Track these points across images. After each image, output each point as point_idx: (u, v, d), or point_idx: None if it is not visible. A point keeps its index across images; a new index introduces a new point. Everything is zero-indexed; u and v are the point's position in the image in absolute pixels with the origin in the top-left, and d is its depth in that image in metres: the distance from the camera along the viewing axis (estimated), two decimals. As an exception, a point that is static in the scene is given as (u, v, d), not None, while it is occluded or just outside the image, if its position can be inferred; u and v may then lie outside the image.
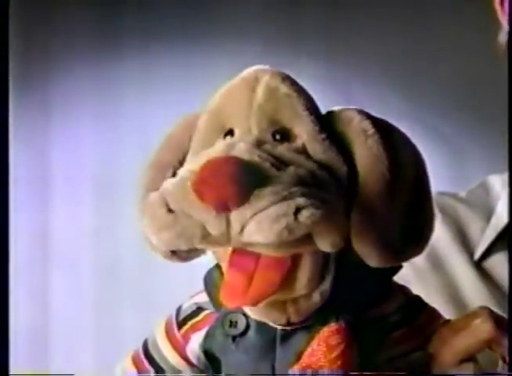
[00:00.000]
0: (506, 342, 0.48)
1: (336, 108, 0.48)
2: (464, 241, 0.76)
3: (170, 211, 0.42)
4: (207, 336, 0.49)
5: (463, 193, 0.82)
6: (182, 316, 0.52)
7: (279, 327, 0.47)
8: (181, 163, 0.48)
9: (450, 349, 0.49)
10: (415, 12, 1.66)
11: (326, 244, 0.43)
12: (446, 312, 0.52)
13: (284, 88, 0.46)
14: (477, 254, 0.75)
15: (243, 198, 0.41)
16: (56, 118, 1.80)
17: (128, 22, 1.79)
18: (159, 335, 0.52)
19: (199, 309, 0.51)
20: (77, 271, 1.76)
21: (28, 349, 1.62)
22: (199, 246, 0.43)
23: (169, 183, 0.44)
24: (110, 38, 1.79)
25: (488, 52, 0.75)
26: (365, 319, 0.47)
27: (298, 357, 0.46)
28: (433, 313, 0.51)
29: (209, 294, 0.50)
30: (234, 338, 0.48)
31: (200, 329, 0.50)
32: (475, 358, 0.49)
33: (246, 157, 0.43)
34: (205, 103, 0.50)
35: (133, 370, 0.53)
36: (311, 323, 0.47)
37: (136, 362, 0.53)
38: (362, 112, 0.47)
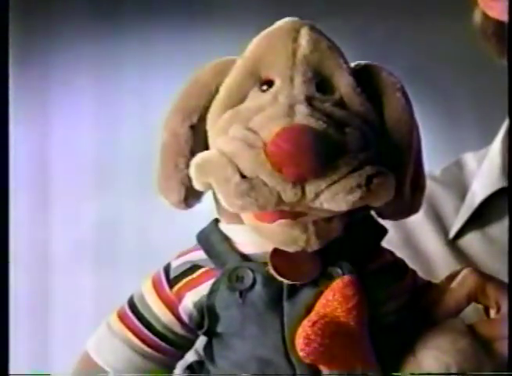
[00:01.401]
0: (491, 292, 0.51)
1: (358, 62, 0.50)
2: (438, 220, 0.77)
3: (242, 176, 0.44)
4: (211, 291, 0.49)
5: (437, 172, 0.83)
6: (173, 275, 0.51)
7: (288, 282, 0.48)
8: (206, 108, 0.49)
9: (442, 309, 0.51)
10: (415, 6, 1.68)
11: (379, 203, 0.46)
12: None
13: (326, 40, 0.48)
14: (452, 233, 0.76)
15: (321, 170, 0.43)
16: (56, 93, 1.81)
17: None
18: (148, 294, 0.52)
19: (194, 267, 0.51)
20: (78, 269, 1.77)
21: (28, 349, 1.63)
22: (269, 210, 0.45)
23: (231, 143, 0.45)
24: (110, 13, 1.78)
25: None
26: (363, 274, 0.49)
27: (308, 311, 0.47)
28: (415, 274, 0.54)
29: (210, 255, 0.50)
30: (241, 293, 0.48)
31: (195, 286, 0.50)
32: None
33: (312, 123, 0.44)
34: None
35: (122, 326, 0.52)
36: (317, 279, 0.48)
37: (123, 318, 0.53)
38: (384, 67, 0.50)
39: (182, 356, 0.54)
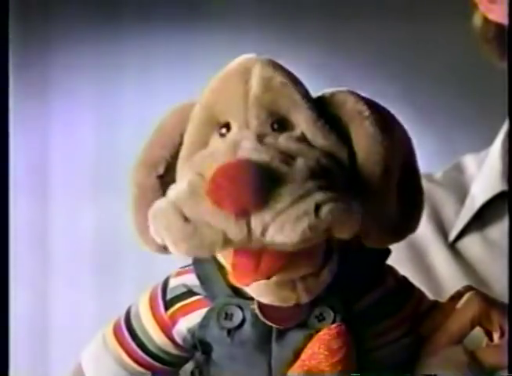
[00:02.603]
0: (495, 317, 0.50)
1: (326, 91, 0.48)
2: (439, 223, 0.77)
3: (186, 219, 0.42)
4: (201, 326, 0.48)
5: (438, 175, 0.83)
6: (169, 296, 0.51)
7: (274, 326, 0.47)
8: (173, 158, 0.48)
9: (444, 334, 0.50)
10: (414, 6, 1.68)
11: (344, 233, 0.43)
12: (421, 292, 0.53)
13: (279, 77, 0.46)
14: (452, 236, 0.76)
15: (262, 202, 0.41)
16: (56, 96, 1.80)
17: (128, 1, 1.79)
18: (143, 312, 0.52)
19: (189, 292, 0.50)
20: (77, 270, 1.77)
21: (28, 350, 1.64)
22: (219, 252, 0.43)
23: (179, 190, 0.43)
24: (110, 16, 1.78)
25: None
26: (357, 311, 0.48)
27: (296, 355, 0.47)
28: (420, 295, 0.52)
29: (201, 281, 0.49)
30: (229, 331, 0.48)
31: (188, 313, 0.50)
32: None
33: (255, 156, 0.43)
34: (199, 89, 0.49)
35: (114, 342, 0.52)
36: (307, 319, 0.47)
37: (117, 334, 0.52)
38: (353, 93, 0.47)
39: (176, 372, 0.53)
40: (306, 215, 0.41)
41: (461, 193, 0.79)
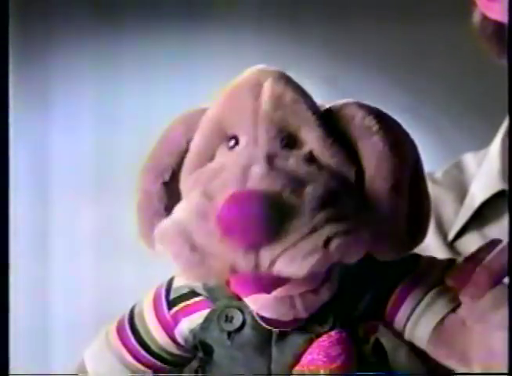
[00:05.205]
0: None
1: (335, 104, 0.47)
2: (438, 222, 0.77)
3: (194, 248, 0.42)
4: (202, 328, 0.49)
5: (438, 174, 0.83)
6: (172, 296, 0.51)
7: (276, 330, 0.47)
8: (179, 165, 0.48)
9: (485, 270, 0.47)
10: (414, 9, 1.68)
11: (352, 260, 0.43)
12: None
13: (290, 94, 0.45)
14: (451, 236, 0.76)
15: (272, 237, 0.41)
16: (56, 95, 1.81)
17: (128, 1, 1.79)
18: (147, 311, 0.52)
19: (191, 293, 0.51)
20: (77, 270, 1.77)
21: (28, 349, 1.64)
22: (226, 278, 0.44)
23: (186, 212, 0.43)
24: (110, 13, 1.78)
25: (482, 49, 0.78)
26: (357, 314, 0.48)
27: (295, 359, 0.47)
28: (431, 258, 0.51)
29: (204, 283, 0.50)
30: (229, 334, 0.48)
31: (190, 313, 0.50)
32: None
33: (265, 185, 0.42)
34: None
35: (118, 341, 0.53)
36: (307, 323, 0.47)
37: (121, 333, 0.53)
38: (362, 106, 0.47)
39: (178, 371, 0.54)
40: (315, 251, 0.41)
41: (461, 192, 0.79)
